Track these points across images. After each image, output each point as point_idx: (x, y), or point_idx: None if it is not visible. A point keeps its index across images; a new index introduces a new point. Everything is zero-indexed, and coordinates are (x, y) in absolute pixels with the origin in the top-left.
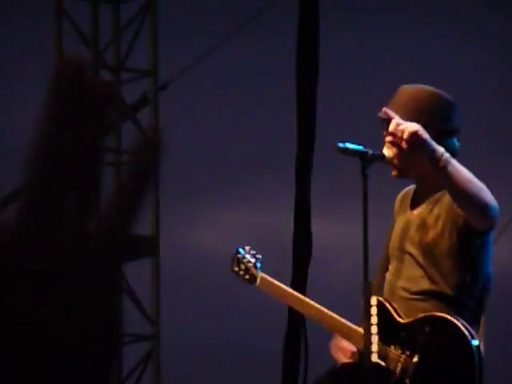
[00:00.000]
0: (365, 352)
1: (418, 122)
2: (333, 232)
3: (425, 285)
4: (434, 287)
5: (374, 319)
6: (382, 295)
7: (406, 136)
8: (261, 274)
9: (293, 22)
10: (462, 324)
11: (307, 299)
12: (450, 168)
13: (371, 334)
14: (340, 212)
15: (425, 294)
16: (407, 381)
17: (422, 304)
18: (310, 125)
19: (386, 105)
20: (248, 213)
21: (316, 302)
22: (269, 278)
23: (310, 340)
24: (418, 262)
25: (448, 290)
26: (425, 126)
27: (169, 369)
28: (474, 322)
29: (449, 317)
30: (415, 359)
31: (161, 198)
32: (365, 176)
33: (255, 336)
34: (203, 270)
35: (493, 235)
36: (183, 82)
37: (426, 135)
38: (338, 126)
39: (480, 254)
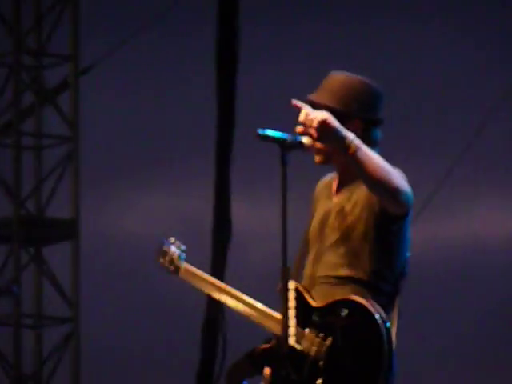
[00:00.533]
0: (282, 335)
1: (347, 109)
2: (253, 216)
3: (343, 271)
4: (351, 273)
5: (292, 303)
6: (300, 282)
7: (315, 125)
8: (184, 265)
9: (213, 10)
10: (372, 307)
11: (228, 287)
12: (360, 154)
13: (288, 317)
14: (260, 196)
15: (343, 280)
16: (321, 363)
17: (340, 290)
18: (231, 111)
19: (315, 90)
20: (168, 197)
21: (235, 286)
22: (191, 268)
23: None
24: (336, 249)
25: (365, 276)
26: (354, 115)
27: (88, 351)
28: (389, 305)
29: (360, 300)
30: (328, 342)
31: (81, 182)
32: (284, 163)
33: (175, 318)
34: (123, 253)
35: (410, 220)
36: (104, 67)
37: (335, 123)
38: (259, 111)
39: (397, 240)
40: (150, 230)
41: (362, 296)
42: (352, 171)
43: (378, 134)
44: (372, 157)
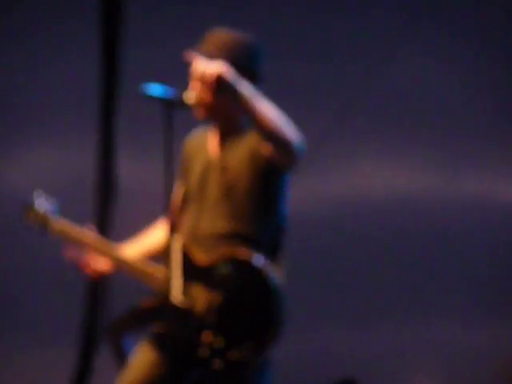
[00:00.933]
0: (166, 293)
1: (238, 65)
2: (138, 173)
3: (225, 225)
4: (233, 227)
5: (177, 259)
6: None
7: (212, 77)
8: (55, 221)
9: None
10: (260, 262)
11: (103, 242)
12: (255, 105)
13: (173, 274)
14: (146, 152)
15: (227, 236)
16: (210, 321)
17: (224, 246)
18: (114, 60)
19: (195, 47)
20: (51, 152)
21: (120, 243)
22: (64, 224)
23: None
24: (219, 205)
25: (248, 230)
26: (244, 70)
27: None
28: (271, 259)
29: (245, 254)
30: (217, 299)
31: None
32: (168, 120)
33: (58, 274)
34: (6, 210)
35: (289, 177)
36: None
37: (232, 74)
38: (144, 65)
39: (278, 194)
40: (34, 186)
41: (248, 250)
42: (234, 125)
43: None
44: (268, 107)
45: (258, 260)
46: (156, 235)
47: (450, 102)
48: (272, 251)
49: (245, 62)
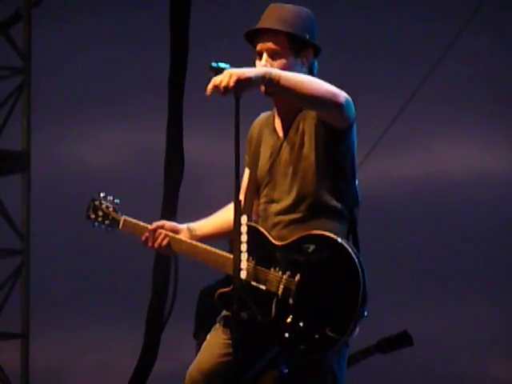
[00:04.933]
0: (234, 270)
1: (304, 37)
2: (209, 150)
3: (300, 202)
4: (309, 201)
5: (244, 237)
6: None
7: (231, 86)
8: (123, 217)
9: None
10: (341, 239)
11: (176, 235)
12: (283, 81)
13: (241, 251)
14: (216, 131)
15: (302, 212)
16: (290, 300)
17: (302, 225)
18: (184, 42)
19: (262, 22)
20: (122, 130)
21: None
22: (132, 220)
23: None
24: (290, 182)
25: (323, 200)
26: (308, 43)
27: (38, 284)
28: (349, 232)
29: (327, 233)
30: (297, 278)
31: (36, 115)
32: (237, 97)
33: (127, 254)
34: (77, 185)
35: (355, 137)
36: None
37: (244, 71)
38: (212, 44)
39: (347, 160)
40: (105, 162)
41: (324, 223)
42: (295, 105)
43: (316, 65)
44: (298, 77)
45: (339, 238)
46: (228, 216)
47: None
48: (350, 222)
49: (306, 33)
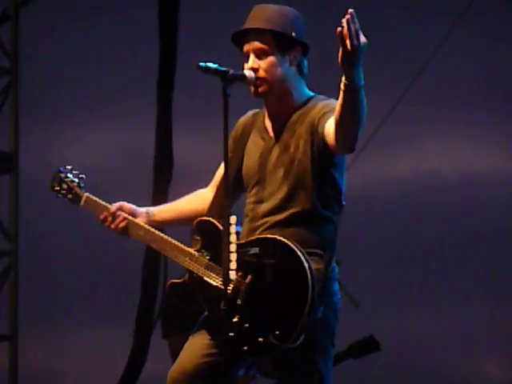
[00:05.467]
0: (223, 270)
1: (291, 36)
2: (198, 150)
3: (287, 205)
4: (297, 205)
5: (233, 237)
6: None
7: (362, 40)
8: (86, 194)
9: None
10: (294, 244)
11: (135, 220)
12: (361, 92)
13: (230, 252)
14: (203, 129)
15: (288, 215)
16: (239, 300)
17: (285, 226)
18: (172, 44)
19: (249, 22)
20: (112, 131)
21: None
22: (94, 198)
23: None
24: (281, 185)
25: (312, 207)
26: (296, 42)
27: (27, 285)
28: (335, 234)
29: (282, 238)
30: (248, 279)
31: (24, 116)
32: (225, 95)
33: (117, 253)
34: None
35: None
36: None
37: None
38: (200, 46)
39: (338, 171)
40: (94, 163)
41: (308, 232)
42: (289, 103)
43: (306, 64)
44: (364, 100)
45: (292, 242)
46: (190, 204)
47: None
48: (336, 225)
49: (292, 31)
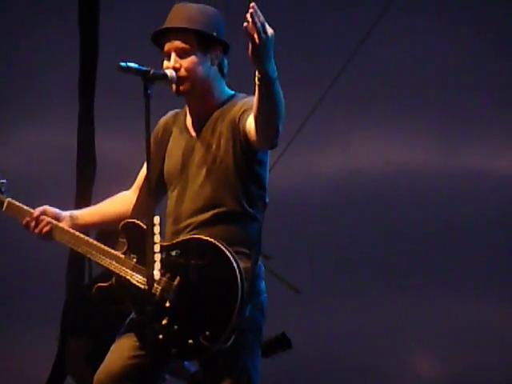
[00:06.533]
0: (148, 271)
1: (212, 35)
2: (119, 151)
3: (212, 204)
4: (221, 204)
5: (157, 237)
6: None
7: (269, 32)
8: (7, 199)
9: None
10: (222, 244)
11: (59, 224)
12: (275, 85)
13: (154, 252)
14: (126, 131)
15: (213, 215)
16: (167, 303)
17: (210, 226)
18: (93, 43)
19: (170, 21)
20: (36, 131)
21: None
22: (16, 203)
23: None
24: (204, 184)
25: (237, 206)
26: (217, 41)
27: None
28: (260, 233)
29: (210, 239)
30: (176, 281)
31: None
32: (147, 95)
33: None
34: None
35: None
36: None
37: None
38: (122, 45)
39: (261, 168)
40: (18, 165)
41: (235, 231)
42: (210, 102)
43: (226, 63)
44: (280, 92)
45: (220, 243)
46: (113, 206)
47: (442, 76)
48: (260, 224)
49: (213, 31)
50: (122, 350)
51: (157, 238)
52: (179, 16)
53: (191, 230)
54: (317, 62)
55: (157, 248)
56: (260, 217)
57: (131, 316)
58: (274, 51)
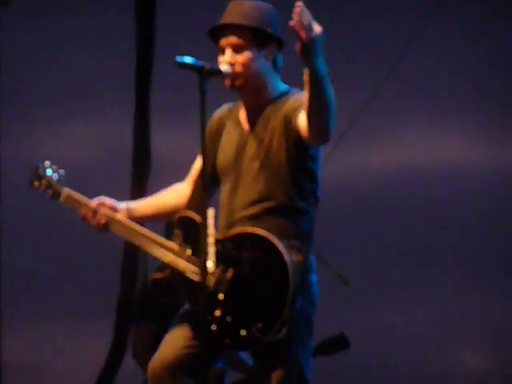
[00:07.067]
0: (201, 263)
1: (267, 31)
2: (174, 144)
3: (264, 198)
4: (273, 198)
5: (211, 230)
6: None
7: (317, 31)
8: (66, 190)
9: None
10: (274, 238)
11: (116, 217)
12: (327, 80)
13: (208, 245)
14: (181, 124)
15: (265, 208)
16: (221, 294)
17: (261, 219)
18: (149, 38)
19: (225, 18)
20: (91, 125)
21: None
22: (74, 194)
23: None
24: (257, 177)
25: (288, 200)
26: (272, 37)
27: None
28: (312, 226)
29: (262, 232)
30: (229, 273)
31: (6, 113)
32: (202, 90)
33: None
34: None
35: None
36: None
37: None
38: (178, 40)
39: (314, 163)
40: (73, 159)
41: (286, 225)
42: (263, 97)
43: (280, 59)
44: (330, 88)
45: (272, 237)
46: (169, 198)
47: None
48: (313, 217)
49: (268, 27)
50: (175, 340)
51: (211, 231)
52: (235, 12)
53: (244, 223)
54: (370, 58)
55: (211, 240)
56: (312, 210)
57: (185, 307)
58: (322, 48)
